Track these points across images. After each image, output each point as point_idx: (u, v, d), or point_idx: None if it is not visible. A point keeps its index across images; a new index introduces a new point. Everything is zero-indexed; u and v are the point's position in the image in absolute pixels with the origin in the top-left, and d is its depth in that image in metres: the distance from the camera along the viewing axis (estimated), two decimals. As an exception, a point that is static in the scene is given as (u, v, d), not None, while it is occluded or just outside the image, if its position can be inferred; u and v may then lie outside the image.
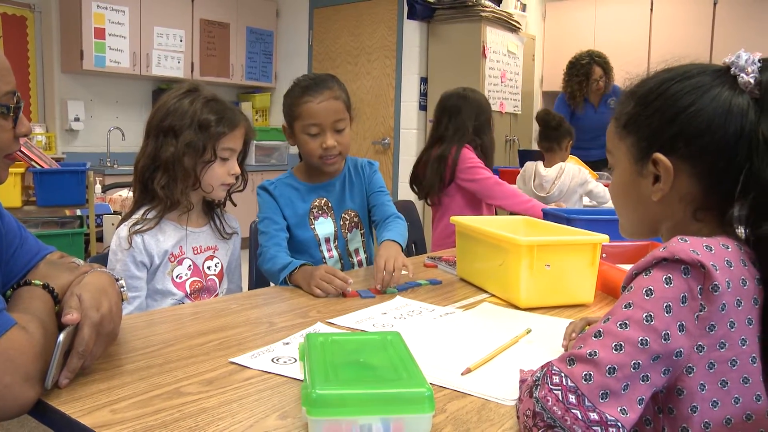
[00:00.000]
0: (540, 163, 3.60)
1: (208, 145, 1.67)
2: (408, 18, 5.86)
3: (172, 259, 1.71)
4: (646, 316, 0.81)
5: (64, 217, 3.13)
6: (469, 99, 3.05)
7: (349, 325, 1.34)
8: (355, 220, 2.06)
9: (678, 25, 6.14)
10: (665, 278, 0.83)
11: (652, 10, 6.29)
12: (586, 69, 4.99)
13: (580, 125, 4.87)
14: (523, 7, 6.62)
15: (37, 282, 1.11)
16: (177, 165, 1.66)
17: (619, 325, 0.83)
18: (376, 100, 6.19)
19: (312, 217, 2.00)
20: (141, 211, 1.71)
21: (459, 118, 3.02)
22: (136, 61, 6.00)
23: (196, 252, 1.76)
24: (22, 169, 2.84)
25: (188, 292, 1.72)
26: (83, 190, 2.90)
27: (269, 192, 1.99)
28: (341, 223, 2.03)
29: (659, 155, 0.93)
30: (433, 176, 2.98)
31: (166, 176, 1.67)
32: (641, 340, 0.80)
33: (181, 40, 6.34)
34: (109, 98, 6.28)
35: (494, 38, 5.84)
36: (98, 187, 4.03)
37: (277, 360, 1.13)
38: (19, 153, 2.87)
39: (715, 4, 5.97)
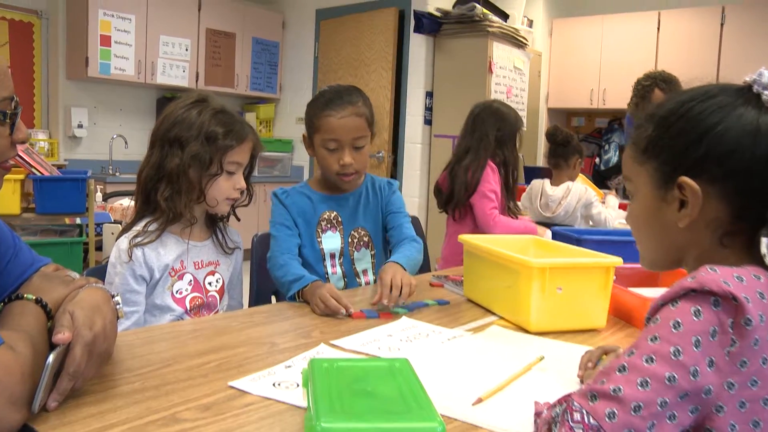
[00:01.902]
0: (547, 182, 3.56)
1: (215, 158, 1.63)
2: (414, 32, 5.83)
3: (173, 273, 1.66)
4: (673, 350, 0.77)
5: (63, 225, 3.09)
6: (494, 109, 3.04)
7: (354, 348, 1.29)
8: (365, 239, 2.01)
9: (685, 43, 6.12)
10: (694, 310, 0.78)
11: (659, 28, 6.27)
12: (644, 91, 4.53)
13: None
14: (530, 23, 6.61)
15: (30, 296, 1.06)
16: (182, 177, 1.61)
17: (645, 359, 0.78)
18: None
19: (320, 230, 1.95)
20: (142, 223, 1.66)
21: (482, 128, 3.01)
22: (141, 69, 5.97)
23: (197, 267, 1.71)
24: (21, 176, 2.80)
25: (188, 308, 1.66)
26: (83, 198, 2.85)
27: (280, 201, 1.95)
28: (349, 240, 1.98)
29: (686, 179, 0.88)
30: (460, 187, 2.96)
31: (170, 188, 1.62)
32: (669, 376, 0.76)
33: (186, 49, 6.32)
34: (113, 106, 6.25)
35: (500, 54, 5.81)
36: (99, 196, 3.99)
37: (279, 385, 1.08)
38: (19, 159, 2.83)
39: (722, 24, 5.95)
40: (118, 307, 1.11)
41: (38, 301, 1.05)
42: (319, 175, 2.02)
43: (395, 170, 6.09)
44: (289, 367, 1.16)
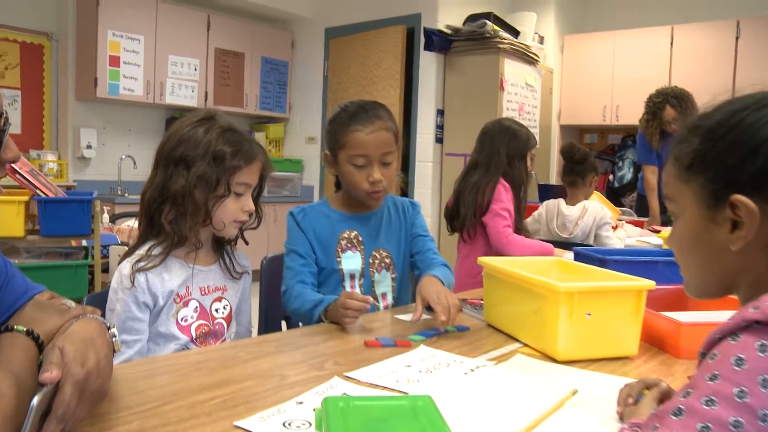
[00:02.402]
0: (562, 201, 3.46)
1: (222, 179, 1.55)
2: (425, 50, 5.79)
3: (178, 300, 1.57)
4: (737, 391, 0.67)
5: (68, 247, 3.02)
6: (505, 126, 2.97)
7: (370, 381, 1.20)
8: (387, 261, 1.93)
9: (699, 57, 6.03)
10: (759, 345, 0.69)
11: (672, 42, 6.19)
12: (655, 108, 4.58)
13: (663, 165, 4.65)
14: (541, 40, 6.55)
15: (21, 328, 0.97)
16: (187, 198, 1.53)
17: (705, 401, 0.68)
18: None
19: (339, 249, 1.88)
20: (146, 247, 1.58)
21: (493, 145, 2.93)
22: (149, 89, 5.94)
23: (203, 293, 1.62)
24: (26, 198, 2.73)
25: (194, 336, 1.58)
26: (89, 219, 2.78)
27: (296, 221, 1.88)
28: (370, 260, 1.90)
29: (740, 197, 0.79)
30: (469, 206, 2.88)
31: (175, 210, 1.54)
32: (733, 421, 0.66)
33: (195, 69, 6.29)
34: (121, 126, 6.22)
35: (512, 71, 5.75)
36: (106, 217, 3.92)
37: (290, 424, 0.98)
38: (23, 181, 2.77)
39: (737, 38, 5.87)
40: (114, 339, 1.02)
41: (29, 333, 0.97)
42: (341, 193, 1.95)
43: (407, 189, 6.02)
44: (301, 403, 1.07)
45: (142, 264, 1.53)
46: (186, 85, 6.23)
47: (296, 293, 1.77)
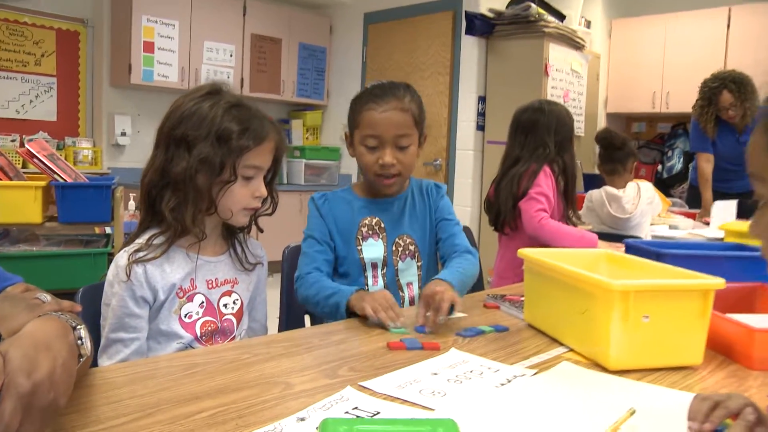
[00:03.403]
0: (607, 186, 3.24)
1: (227, 162, 1.37)
2: (466, 34, 5.57)
3: (181, 294, 1.41)
4: None
5: (89, 235, 2.91)
6: (547, 112, 2.70)
7: (389, 392, 1.02)
8: (411, 248, 1.78)
9: (758, 42, 5.68)
10: None
11: (729, 25, 5.85)
12: (711, 93, 4.28)
13: (718, 153, 4.36)
14: (588, 24, 6.26)
15: (-26, 326, 0.83)
16: (188, 184, 1.36)
17: None
18: (429, 119, 5.88)
19: (360, 237, 1.73)
20: (146, 235, 1.42)
21: (536, 134, 2.67)
22: (184, 75, 5.84)
23: (210, 286, 1.46)
24: (43, 183, 2.61)
25: (198, 334, 1.42)
26: (108, 206, 2.65)
27: (317, 206, 1.76)
28: (393, 248, 1.75)
29: None
30: (507, 198, 2.65)
31: (176, 197, 1.38)
32: None
33: (231, 55, 6.17)
34: (156, 113, 6.08)
35: (557, 56, 5.50)
36: (132, 204, 3.82)
37: (284, 448, 0.82)
38: (41, 165, 2.66)
39: (800, 20, 5.52)
40: (80, 342, 0.86)
41: (-12, 332, 0.82)
42: (364, 179, 1.81)
43: (448, 178, 5.83)
44: (303, 420, 0.90)
45: (140, 254, 1.38)
46: (221, 71, 6.11)
47: (312, 280, 1.64)
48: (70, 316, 0.89)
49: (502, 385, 1.08)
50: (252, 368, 1.12)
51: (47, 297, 1.02)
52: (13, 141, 5.49)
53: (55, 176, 2.62)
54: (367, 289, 1.71)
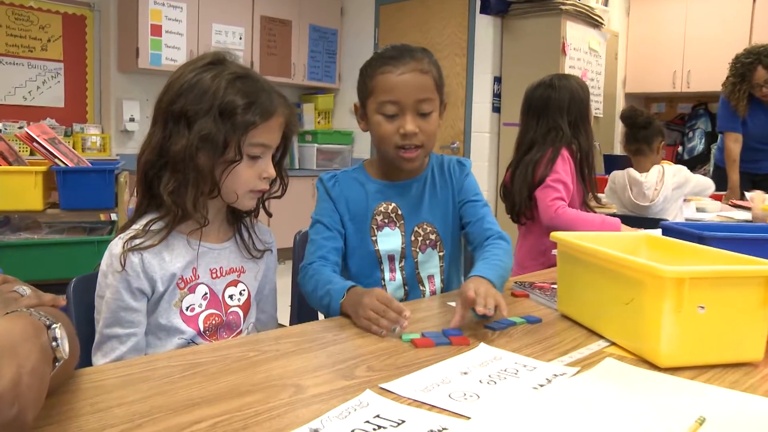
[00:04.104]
0: (630, 169, 3.08)
1: (231, 140, 1.23)
2: (481, 13, 5.41)
3: (182, 285, 1.28)
4: None
5: (93, 222, 2.79)
6: (558, 88, 2.50)
7: (413, 396, 0.89)
8: (432, 237, 1.61)
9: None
10: None
11: (755, 1, 5.65)
12: (744, 69, 4.09)
13: (748, 133, 4.19)
14: (606, 2, 6.08)
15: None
16: (188, 164, 1.22)
17: None
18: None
19: (374, 226, 1.57)
20: (144, 221, 1.29)
21: (548, 116, 2.48)
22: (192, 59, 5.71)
23: (214, 275, 1.33)
24: (43, 168, 2.50)
25: (202, 329, 1.29)
26: (111, 191, 2.54)
27: (326, 188, 1.58)
28: (412, 238, 1.59)
29: None
30: (521, 187, 2.48)
31: (175, 178, 1.24)
32: None
33: (240, 38, 6.04)
34: (164, 98, 6.02)
35: (575, 34, 5.33)
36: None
37: (295, 468, 0.69)
38: (41, 149, 2.54)
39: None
40: (54, 344, 0.74)
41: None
42: (378, 157, 1.62)
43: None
44: (316, 431, 0.78)
45: (137, 242, 1.25)
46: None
47: (312, 272, 1.46)
48: (46, 313, 0.77)
49: (542, 386, 0.95)
50: (259, 368, 0.99)
51: (26, 290, 0.90)
52: (20, 128, 5.39)
53: (56, 161, 2.51)
54: (384, 286, 1.58)
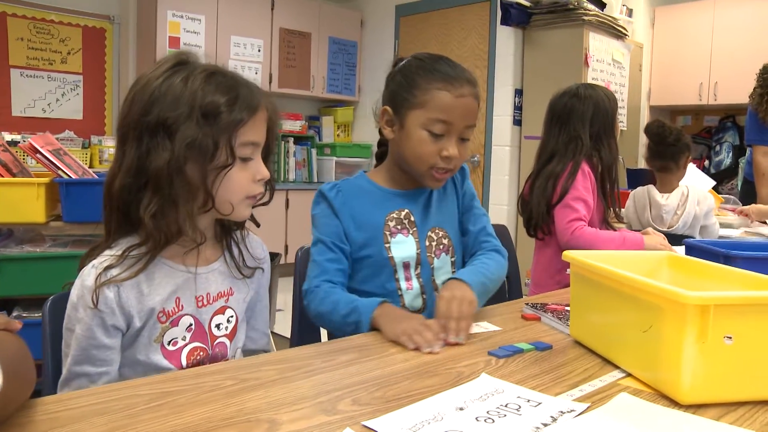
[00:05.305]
0: (652, 188, 2.94)
1: (221, 141, 1.12)
2: (502, 24, 5.32)
3: (164, 318, 1.16)
4: None
5: (98, 235, 2.72)
6: (583, 98, 2.39)
7: (399, 436, 0.80)
8: (444, 242, 1.55)
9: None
10: None
11: (784, 10, 5.50)
12: None
13: None
14: (630, 12, 5.96)
15: None
16: (176, 178, 1.10)
17: None
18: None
19: (388, 233, 1.50)
20: (122, 245, 1.15)
21: (570, 126, 2.38)
22: (211, 71, 5.68)
23: (200, 304, 1.21)
24: (46, 180, 2.44)
25: (184, 365, 1.18)
26: (115, 204, 2.47)
27: (328, 201, 1.50)
28: (426, 243, 1.53)
29: None
30: (540, 201, 2.38)
31: (159, 198, 1.10)
32: None
33: (259, 50, 6.00)
34: (182, 111, 6.00)
35: (597, 45, 5.22)
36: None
37: None
38: (44, 160, 2.49)
39: None
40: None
41: None
42: (386, 166, 1.57)
43: (484, 175, 5.59)
44: (281, 479, 0.68)
45: (112, 273, 1.12)
46: (249, 66, 5.94)
47: (323, 294, 1.42)
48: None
49: (545, 425, 0.85)
50: (233, 399, 0.90)
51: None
52: (37, 140, 5.39)
53: (60, 172, 2.45)
54: (400, 294, 1.50)
